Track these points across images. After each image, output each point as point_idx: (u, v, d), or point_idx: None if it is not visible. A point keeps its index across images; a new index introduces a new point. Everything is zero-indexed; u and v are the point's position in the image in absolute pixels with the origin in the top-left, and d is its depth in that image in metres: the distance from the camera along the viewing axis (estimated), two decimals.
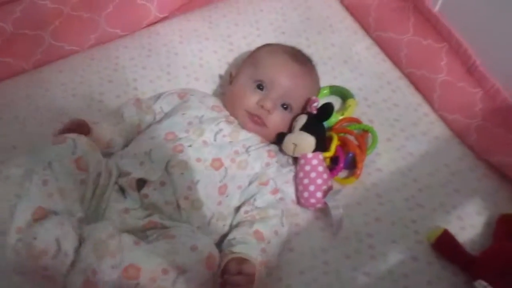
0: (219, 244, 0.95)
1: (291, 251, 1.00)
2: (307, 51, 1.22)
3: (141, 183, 0.95)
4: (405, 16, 1.29)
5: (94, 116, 1.08)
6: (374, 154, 1.15)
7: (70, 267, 0.77)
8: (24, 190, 0.83)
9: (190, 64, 1.28)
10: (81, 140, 0.90)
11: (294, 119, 1.10)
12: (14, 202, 0.94)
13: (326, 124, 1.12)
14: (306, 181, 1.04)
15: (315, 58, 1.21)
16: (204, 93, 1.18)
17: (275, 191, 1.03)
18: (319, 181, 1.04)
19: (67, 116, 1.13)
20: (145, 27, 1.34)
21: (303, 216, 1.06)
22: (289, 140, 1.07)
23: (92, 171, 0.90)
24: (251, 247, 0.91)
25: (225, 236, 0.96)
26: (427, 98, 1.26)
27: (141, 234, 0.89)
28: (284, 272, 0.97)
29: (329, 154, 1.09)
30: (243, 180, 1.02)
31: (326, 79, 1.25)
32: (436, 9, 1.23)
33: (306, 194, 1.04)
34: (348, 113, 1.19)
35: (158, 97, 1.13)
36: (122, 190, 0.95)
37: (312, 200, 1.04)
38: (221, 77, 1.28)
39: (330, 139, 1.10)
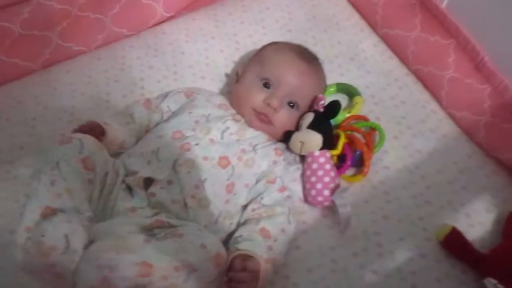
0: (226, 242, 0.95)
1: (298, 249, 1.00)
2: (314, 49, 1.21)
3: (148, 182, 0.95)
4: (413, 12, 1.28)
5: (102, 116, 1.09)
6: (381, 152, 1.14)
7: (79, 264, 0.77)
8: (33, 190, 0.84)
9: (196, 63, 1.28)
10: (88, 139, 0.90)
11: (301, 117, 1.10)
12: (23, 201, 0.96)
13: (333, 122, 1.12)
14: (313, 179, 1.04)
15: (322, 56, 1.21)
16: (210, 92, 1.18)
17: (282, 189, 1.03)
18: (327, 179, 1.03)
19: (74, 116, 1.14)
20: (151, 26, 1.34)
21: (310, 214, 1.06)
22: (296, 138, 1.07)
23: (99, 170, 0.90)
24: (256, 244, 0.91)
25: (232, 234, 0.96)
26: (435, 95, 1.25)
27: (149, 232, 0.89)
28: (291, 270, 0.97)
29: (336, 152, 1.09)
30: (250, 178, 1.02)
31: (332, 77, 1.25)
32: (443, 5, 1.23)
33: (313, 192, 1.04)
34: (355, 111, 1.19)
35: (165, 96, 1.13)
36: (129, 189, 0.95)
37: (320, 198, 1.04)
38: (227, 75, 1.28)
39: (337, 137, 1.10)
